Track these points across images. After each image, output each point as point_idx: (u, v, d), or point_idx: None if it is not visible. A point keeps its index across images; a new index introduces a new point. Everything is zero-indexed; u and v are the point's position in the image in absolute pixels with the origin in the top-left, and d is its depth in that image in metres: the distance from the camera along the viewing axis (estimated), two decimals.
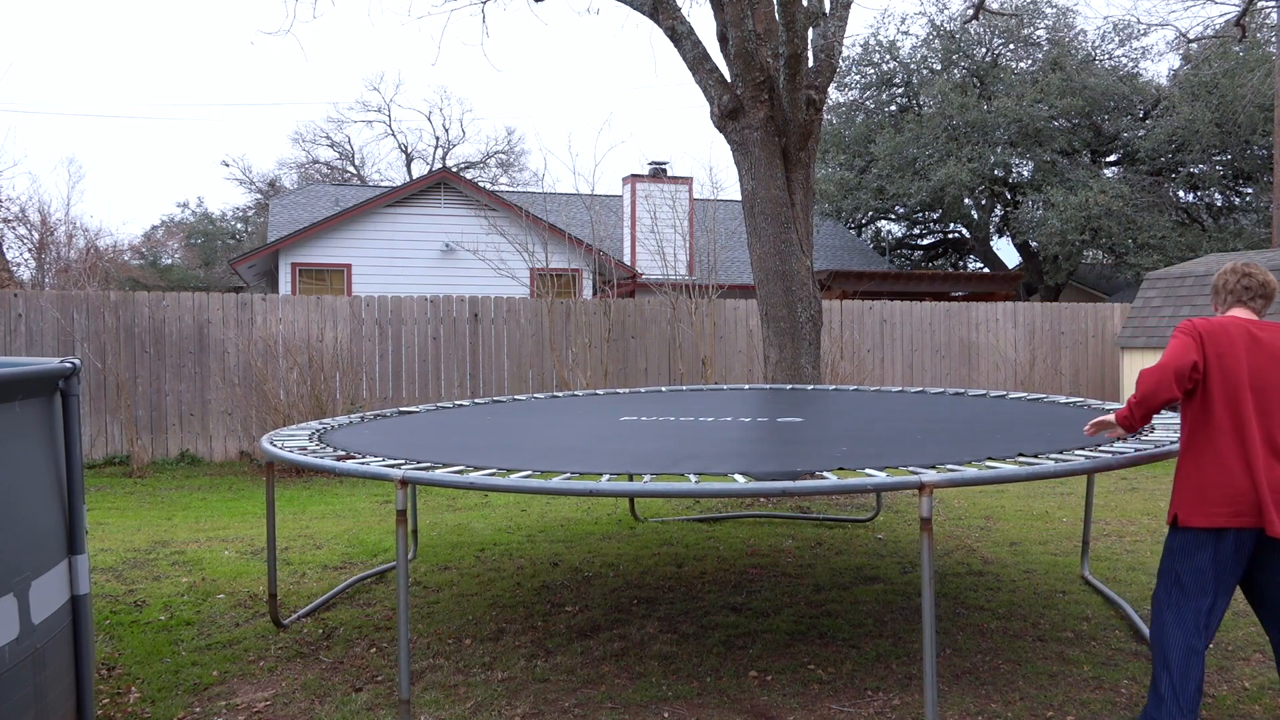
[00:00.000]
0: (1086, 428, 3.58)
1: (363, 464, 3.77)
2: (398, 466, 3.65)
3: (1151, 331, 13.46)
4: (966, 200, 24.12)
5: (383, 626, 4.73)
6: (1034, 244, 23.98)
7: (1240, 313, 3.31)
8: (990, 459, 3.65)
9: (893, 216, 27.93)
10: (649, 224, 18.95)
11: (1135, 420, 3.28)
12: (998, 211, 25.59)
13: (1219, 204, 23.92)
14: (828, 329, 12.47)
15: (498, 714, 3.67)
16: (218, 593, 5.38)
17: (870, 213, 26.88)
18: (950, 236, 28.70)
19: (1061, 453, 3.71)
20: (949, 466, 3.46)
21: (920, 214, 27.19)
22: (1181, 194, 23.79)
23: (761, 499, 8.02)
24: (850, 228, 27.58)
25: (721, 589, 5.29)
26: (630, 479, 3.55)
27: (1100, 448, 3.78)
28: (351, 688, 3.95)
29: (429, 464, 3.77)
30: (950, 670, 4.03)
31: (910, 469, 3.38)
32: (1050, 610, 4.85)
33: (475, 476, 3.45)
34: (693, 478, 3.46)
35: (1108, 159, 24.81)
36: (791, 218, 8.38)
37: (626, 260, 20.01)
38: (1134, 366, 13.60)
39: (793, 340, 8.39)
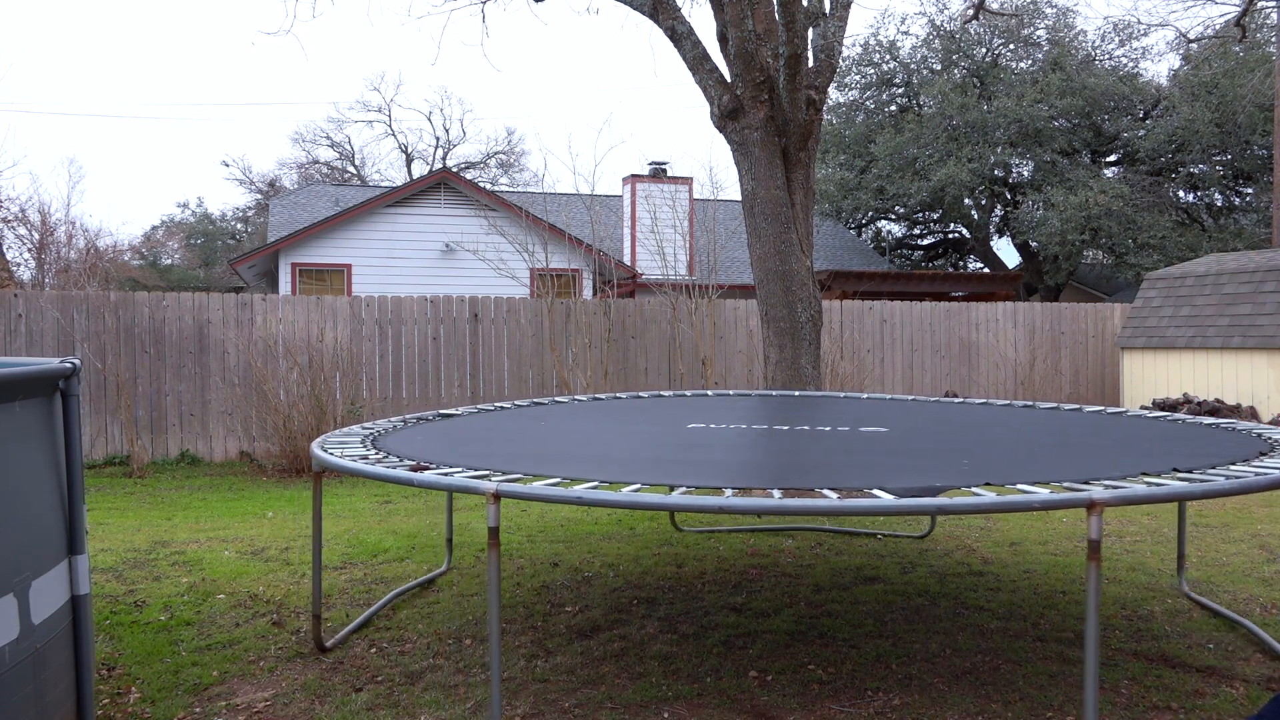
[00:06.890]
0: None
1: (445, 475, 3.41)
2: (486, 478, 3.28)
3: (1151, 331, 13.46)
4: (966, 200, 24.11)
5: (382, 627, 4.73)
6: (1034, 244, 23.98)
7: None
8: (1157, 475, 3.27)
9: (893, 216, 27.93)
10: (649, 224, 18.96)
11: None
12: (998, 211, 25.58)
13: (1219, 204, 23.93)
14: (828, 329, 12.47)
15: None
16: (218, 593, 5.38)
17: (870, 213, 26.88)
18: (950, 236, 28.70)
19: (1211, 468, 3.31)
20: (1118, 484, 3.07)
21: (920, 214, 27.18)
22: (1181, 194, 23.79)
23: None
24: (850, 228, 27.57)
25: (721, 589, 5.29)
26: (754, 493, 3.22)
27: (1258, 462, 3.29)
28: (351, 688, 3.95)
29: (519, 475, 3.42)
30: (950, 670, 4.03)
31: (1069, 484, 2.99)
32: (1050, 610, 4.85)
33: (580, 490, 3.07)
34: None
35: (1108, 159, 24.82)
36: (791, 218, 8.38)
37: (626, 260, 20.01)
38: (1134, 366, 13.61)
39: (793, 340, 8.39)
